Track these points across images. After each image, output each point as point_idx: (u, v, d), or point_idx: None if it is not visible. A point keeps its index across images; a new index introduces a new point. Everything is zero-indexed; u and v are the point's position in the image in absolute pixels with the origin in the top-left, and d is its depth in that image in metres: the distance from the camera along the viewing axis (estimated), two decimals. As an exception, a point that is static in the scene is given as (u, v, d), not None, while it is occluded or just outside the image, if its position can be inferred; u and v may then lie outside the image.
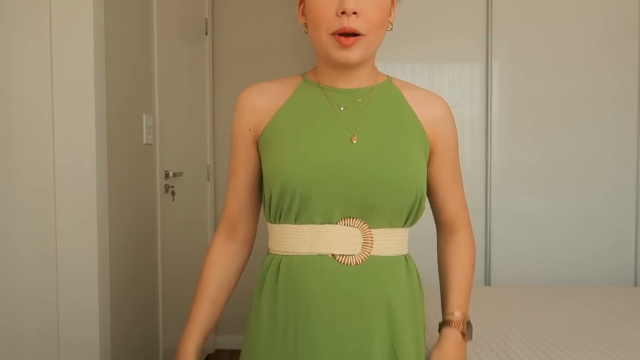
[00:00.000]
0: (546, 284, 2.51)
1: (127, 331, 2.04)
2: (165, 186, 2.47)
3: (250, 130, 1.03)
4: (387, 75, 1.09)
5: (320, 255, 0.98)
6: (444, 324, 1.08)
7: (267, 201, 1.02)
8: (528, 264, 2.55)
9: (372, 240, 0.99)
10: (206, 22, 3.09)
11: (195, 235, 2.97)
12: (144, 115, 2.22)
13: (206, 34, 3.10)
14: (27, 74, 1.73)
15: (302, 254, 0.99)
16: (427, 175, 1.07)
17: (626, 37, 2.52)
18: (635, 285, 2.56)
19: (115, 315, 1.91)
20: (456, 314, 1.06)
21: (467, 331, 1.07)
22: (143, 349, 2.23)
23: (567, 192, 2.55)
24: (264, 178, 1.03)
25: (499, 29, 2.53)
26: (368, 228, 0.99)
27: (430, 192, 1.12)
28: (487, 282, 2.57)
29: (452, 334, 1.05)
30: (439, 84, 2.58)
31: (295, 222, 0.99)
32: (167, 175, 2.48)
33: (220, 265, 1.10)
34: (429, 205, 1.15)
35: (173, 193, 2.55)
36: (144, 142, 2.22)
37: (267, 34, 3.20)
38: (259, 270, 1.07)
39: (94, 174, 1.76)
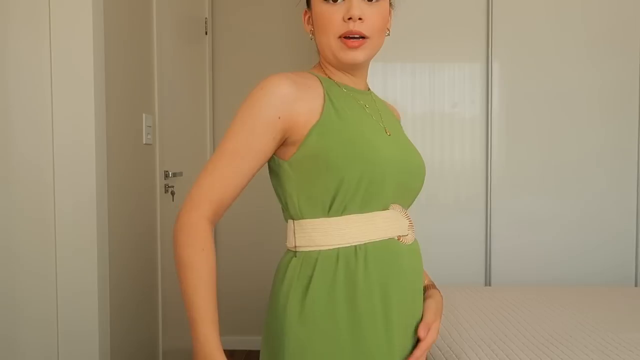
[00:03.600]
0: (546, 283, 2.51)
1: (127, 331, 2.04)
2: (165, 186, 2.47)
3: (280, 118, 0.97)
4: None
5: (389, 238, 1.05)
6: (426, 288, 1.19)
7: (332, 191, 0.99)
8: (528, 263, 2.55)
9: (411, 222, 1.10)
10: (206, 22, 3.09)
11: (195, 235, 2.96)
12: (144, 115, 2.22)
13: (206, 33, 3.10)
14: (27, 73, 1.73)
15: (374, 240, 1.02)
16: None
17: (627, 37, 2.52)
18: (636, 285, 2.56)
19: (115, 315, 1.91)
20: (428, 279, 1.21)
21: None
22: (143, 349, 2.23)
23: (568, 192, 2.55)
24: (327, 167, 0.97)
25: (499, 29, 2.53)
26: (405, 211, 1.09)
27: None
28: (487, 282, 2.56)
29: (437, 292, 1.17)
30: (439, 84, 2.58)
31: (361, 211, 1.01)
32: (166, 175, 2.47)
33: (212, 254, 0.99)
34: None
35: (173, 193, 2.55)
36: (144, 142, 2.21)
37: (267, 34, 3.20)
38: (298, 271, 1.01)
39: (94, 174, 1.76)
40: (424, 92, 2.57)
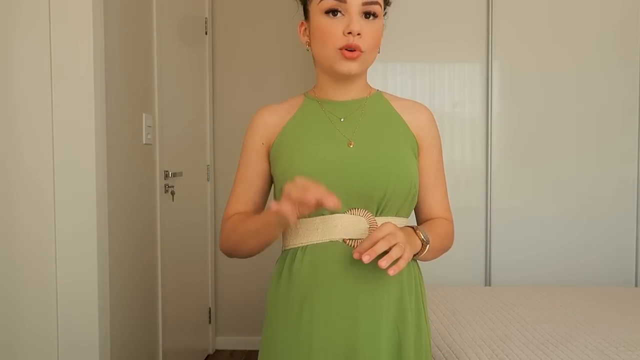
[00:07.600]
0: (546, 284, 2.51)
1: (127, 331, 2.04)
2: (165, 186, 2.47)
3: (263, 144, 1.19)
4: (377, 89, 1.24)
5: (331, 241, 1.10)
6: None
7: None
8: (528, 264, 2.55)
9: (377, 226, 1.08)
10: (206, 22, 3.09)
11: (195, 235, 2.97)
12: (144, 115, 2.22)
13: (206, 33, 3.10)
14: (27, 74, 1.73)
15: (315, 242, 1.11)
16: None
17: (628, 37, 2.52)
18: (636, 285, 2.56)
19: (115, 315, 1.91)
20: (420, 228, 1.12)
21: (424, 237, 1.10)
22: (143, 349, 2.23)
23: (568, 192, 2.55)
24: (275, 182, 1.17)
25: (499, 29, 2.53)
26: (372, 216, 1.11)
27: None
28: (487, 282, 2.56)
29: (409, 227, 1.11)
30: (439, 84, 2.58)
31: (308, 215, 1.07)
32: (166, 175, 2.47)
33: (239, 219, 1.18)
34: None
35: (173, 193, 2.54)
36: (144, 142, 2.22)
37: (267, 34, 3.20)
38: (273, 268, 1.18)
39: (94, 173, 1.76)
40: (424, 92, 2.56)
